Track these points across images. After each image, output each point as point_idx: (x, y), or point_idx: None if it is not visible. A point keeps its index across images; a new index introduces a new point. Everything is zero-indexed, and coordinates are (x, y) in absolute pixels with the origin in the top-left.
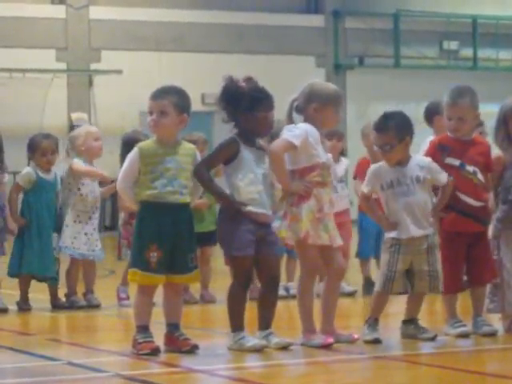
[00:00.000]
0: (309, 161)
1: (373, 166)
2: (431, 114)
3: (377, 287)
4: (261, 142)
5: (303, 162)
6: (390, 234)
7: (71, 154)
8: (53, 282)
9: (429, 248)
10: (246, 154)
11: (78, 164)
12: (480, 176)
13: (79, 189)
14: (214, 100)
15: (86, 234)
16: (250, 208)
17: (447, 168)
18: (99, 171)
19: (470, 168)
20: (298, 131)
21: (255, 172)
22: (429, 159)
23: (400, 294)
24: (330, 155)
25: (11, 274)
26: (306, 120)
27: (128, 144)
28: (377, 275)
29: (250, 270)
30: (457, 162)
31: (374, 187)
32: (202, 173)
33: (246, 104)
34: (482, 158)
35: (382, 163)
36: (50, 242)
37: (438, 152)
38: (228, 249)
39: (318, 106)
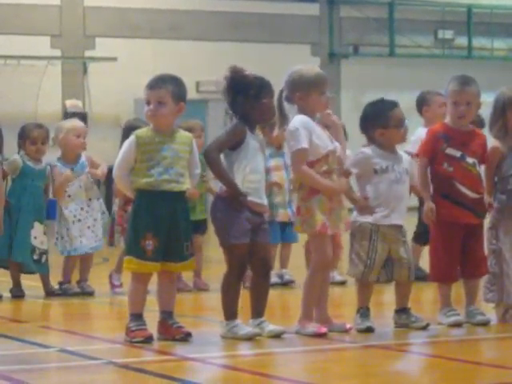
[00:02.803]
0: (315, 155)
1: (366, 149)
2: (420, 105)
3: (351, 272)
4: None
5: (311, 157)
6: (367, 219)
7: (55, 145)
8: (41, 272)
9: (404, 236)
10: (251, 140)
11: (57, 172)
12: (478, 168)
13: (65, 191)
14: (221, 92)
15: (89, 227)
16: (250, 199)
17: (447, 159)
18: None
19: (470, 160)
20: (299, 133)
21: (257, 160)
22: (408, 157)
23: (378, 282)
24: (336, 144)
25: None
26: (297, 108)
27: (129, 132)
28: (352, 260)
29: (246, 258)
30: (458, 153)
31: (365, 169)
32: (213, 156)
33: (254, 92)
34: (480, 150)
35: (373, 148)
36: (27, 230)
37: (440, 141)
38: (225, 237)
39: (301, 95)
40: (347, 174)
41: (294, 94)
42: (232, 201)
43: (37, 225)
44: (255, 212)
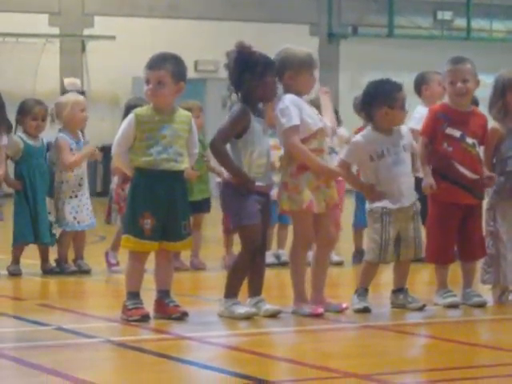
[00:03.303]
0: (305, 132)
1: (357, 138)
2: (419, 85)
3: (369, 257)
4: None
5: (301, 134)
6: (377, 204)
7: (56, 121)
8: (52, 245)
9: (414, 215)
10: (256, 124)
11: (64, 143)
12: (478, 149)
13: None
14: (225, 66)
15: (85, 204)
16: (258, 184)
17: (447, 138)
18: (84, 153)
19: (470, 140)
20: (290, 111)
21: (262, 143)
22: (407, 126)
23: (389, 262)
24: (326, 122)
25: (17, 243)
26: (284, 87)
27: (130, 110)
28: (368, 245)
29: (259, 239)
30: (457, 134)
31: (360, 158)
32: (219, 148)
33: (259, 69)
34: (480, 131)
35: (366, 133)
36: (44, 209)
37: (439, 120)
38: (237, 219)
39: (292, 74)
40: (345, 166)
41: (283, 72)
42: (240, 187)
43: (48, 200)
44: (263, 193)
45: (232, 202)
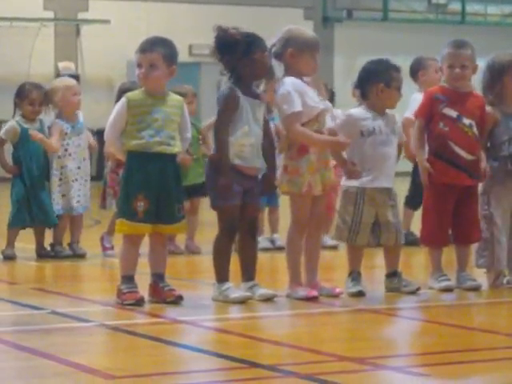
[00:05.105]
0: (310, 114)
1: (351, 111)
2: (415, 70)
3: (335, 236)
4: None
5: (304, 118)
6: (353, 183)
7: (50, 106)
8: (51, 225)
9: (393, 200)
10: (245, 104)
11: (55, 129)
12: (475, 130)
13: (66, 149)
14: (209, 53)
15: (79, 189)
16: (239, 163)
17: (444, 118)
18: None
19: (467, 121)
20: (291, 97)
21: (250, 124)
22: (401, 115)
23: (369, 246)
24: (328, 104)
25: (13, 226)
26: (285, 67)
27: (123, 94)
28: (337, 224)
29: (236, 220)
30: (454, 114)
31: (350, 132)
32: (221, 137)
33: (241, 49)
34: (478, 112)
35: (360, 109)
36: (42, 191)
37: (435, 102)
38: (214, 198)
39: (294, 51)
40: (333, 134)
41: (286, 49)
42: (218, 166)
43: (46, 184)
44: (247, 175)
45: (212, 180)
